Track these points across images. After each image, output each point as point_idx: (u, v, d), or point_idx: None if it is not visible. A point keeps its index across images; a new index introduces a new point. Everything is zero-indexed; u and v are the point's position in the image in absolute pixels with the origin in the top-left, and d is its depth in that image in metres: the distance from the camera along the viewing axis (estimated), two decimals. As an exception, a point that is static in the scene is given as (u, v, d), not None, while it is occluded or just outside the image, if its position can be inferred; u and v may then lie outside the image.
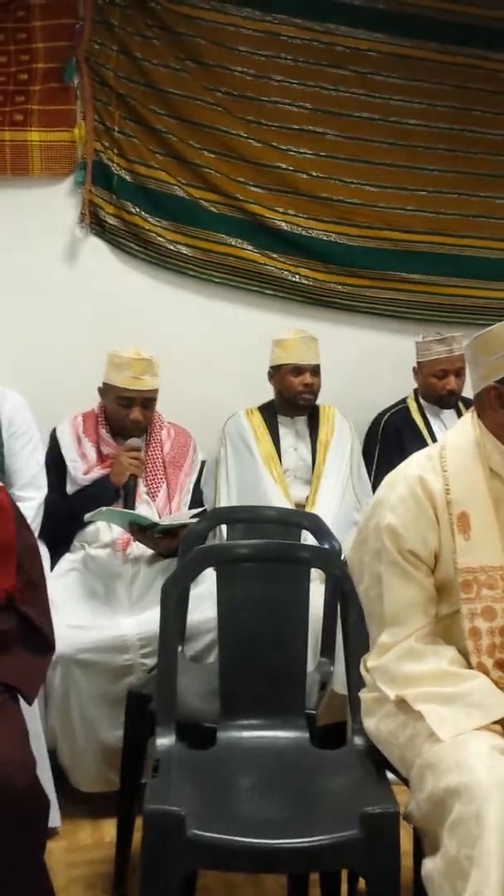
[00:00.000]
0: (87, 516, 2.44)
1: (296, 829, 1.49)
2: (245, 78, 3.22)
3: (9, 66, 3.01)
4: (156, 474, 2.70)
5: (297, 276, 3.34)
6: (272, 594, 1.93)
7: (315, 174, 3.33)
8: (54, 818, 2.19)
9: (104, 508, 2.46)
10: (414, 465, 1.66)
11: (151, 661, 2.24)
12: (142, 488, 2.66)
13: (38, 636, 1.79)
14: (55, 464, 2.69)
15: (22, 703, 1.73)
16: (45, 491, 2.62)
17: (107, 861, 2.07)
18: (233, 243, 3.27)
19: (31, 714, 2.03)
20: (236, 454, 2.96)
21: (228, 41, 3.18)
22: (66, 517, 2.61)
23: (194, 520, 2.38)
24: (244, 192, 3.26)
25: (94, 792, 2.33)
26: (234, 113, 3.23)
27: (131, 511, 2.52)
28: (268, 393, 3.07)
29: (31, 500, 2.55)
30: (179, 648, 2.11)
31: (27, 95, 3.02)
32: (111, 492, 2.59)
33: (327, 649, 2.16)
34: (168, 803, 1.48)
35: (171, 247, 3.21)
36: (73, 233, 3.14)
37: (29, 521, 2.12)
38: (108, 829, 2.18)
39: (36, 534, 2.39)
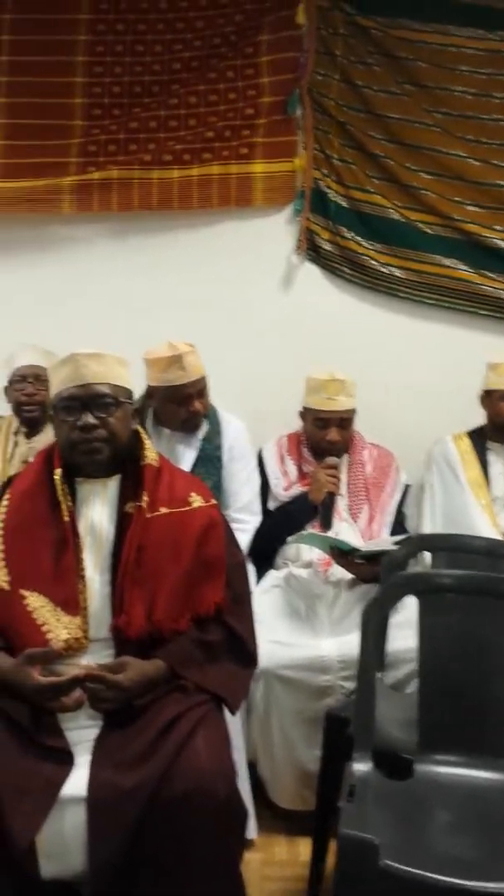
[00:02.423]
0: (289, 540, 2.50)
1: (494, 872, 1.44)
2: (465, 97, 3.17)
3: (237, 101, 3.17)
4: (357, 495, 2.72)
5: (515, 296, 3.24)
6: (477, 628, 1.88)
7: (537, 191, 3.22)
8: (250, 829, 2.25)
9: (305, 532, 2.51)
10: None
11: (351, 685, 2.25)
12: (343, 508, 2.68)
13: (243, 649, 1.86)
14: (260, 481, 2.79)
15: (226, 713, 1.80)
16: (259, 517, 2.73)
17: (300, 879, 2.09)
18: (447, 264, 3.23)
19: (234, 725, 2.11)
20: (442, 480, 2.91)
21: (449, 62, 3.16)
22: (266, 533, 2.70)
23: (395, 547, 2.36)
24: (461, 212, 3.21)
25: (291, 809, 2.37)
26: (454, 133, 3.19)
27: (332, 536, 2.55)
28: (481, 418, 2.98)
29: (247, 524, 2.67)
30: (379, 675, 2.10)
31: (252, 129, 3.17)
32: (309, 509, 2.63)
33: (535, 691, 2.06)
34: (363, 830, 1.48)
35: (384, 269, 3.23)
36: (289, 260, 3.25)
37: (243, 545, 2.22)
38: (304, 847, 2.20)
39: (246, 554, 2.50)
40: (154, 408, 2.69)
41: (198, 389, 2.62)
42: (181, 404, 2.61)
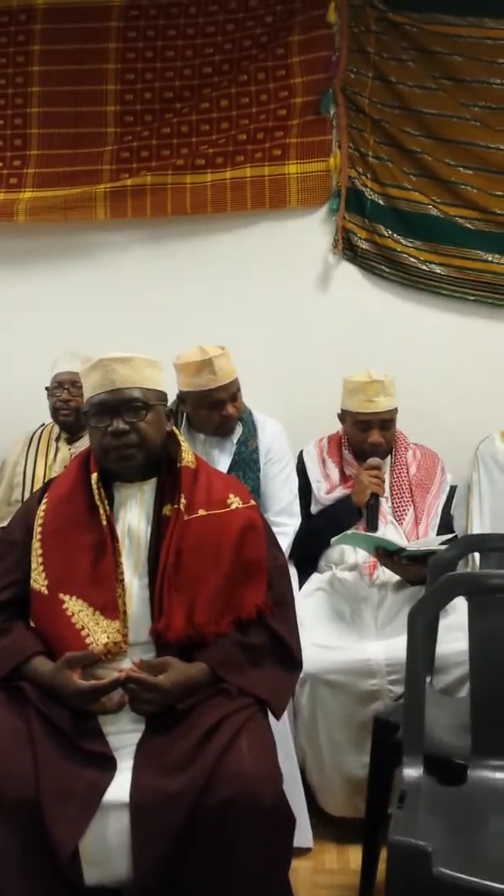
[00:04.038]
0: (333, 540, 2.46)
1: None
2: (504, 90, 3.12)
3: (269, 103, 3.16)
4: (402, 497, 2.66)
5: None
6: (529, 629, 1.82)
7: None
8: (307, 839, 2.22)
9: (349, 532, 2.46)
10: None
11: (399, 689, 2.19)
12: (387, 510, 2.63)
13: (287, 652, 1.82)
14: (301, 485, 2.76)
15: (271, 718, 1.76)
16: (298, 519, 2.69)
17: (351, 888, 2.04)
18: (490, 259, 3.16)
19: (282, 731, 2.07)
20: (490, 479, 2.84)
21: (486, 55, 3.09)
22: (309, 537, 2.66)
23: (443, 546, 2.30)
24: (503, 206, 3.15)
25: (341, 815, 2.32)
26: (493, 126, 3.12)
27: (377, 535, 2.49)
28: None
29: (286, 527, 2.63)
30: (428, 679, 2.04)
31: (285, 130, 3.15)
32: (353, 512, 2.59)
33: None
34: (414, 837, 1.43)
35: (424, 267, 3.17)
36: (326, 260, 3.21)
37: (283, 548, 2.18)
38: (354, 855, 2.15)
39: (287, 556, 2.45)
40: (187, 413, 2.67)
41: (230, 393, 2.61)
42: (213, 409, 2.59)
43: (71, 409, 2.83)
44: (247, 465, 2.63)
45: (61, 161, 3.21)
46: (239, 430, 2.68)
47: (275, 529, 2.15)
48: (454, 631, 2.21)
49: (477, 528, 2.78)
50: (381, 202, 3.18)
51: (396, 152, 3.17)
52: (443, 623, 2.18)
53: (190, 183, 3.16)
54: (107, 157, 3.21)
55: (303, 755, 2.31)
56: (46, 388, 2.91)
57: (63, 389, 2.85)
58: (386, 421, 2.69)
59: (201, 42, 3.16)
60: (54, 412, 2.89)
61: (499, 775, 1.71)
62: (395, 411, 2.71)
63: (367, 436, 2.67)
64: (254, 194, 3.15)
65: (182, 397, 2.66)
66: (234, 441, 2.67)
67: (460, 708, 1.94)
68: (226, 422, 2.62)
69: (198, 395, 2.59)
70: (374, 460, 2.65)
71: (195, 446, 2.64)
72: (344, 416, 2.76)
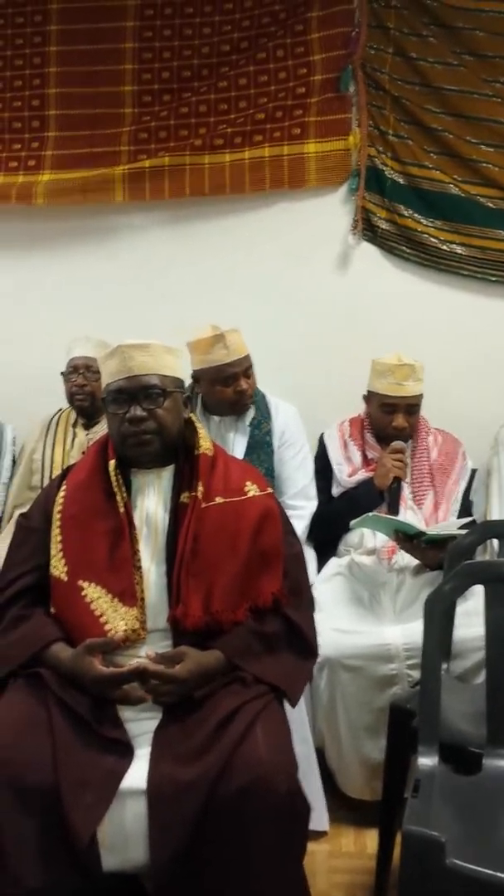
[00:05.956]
0: (352, 523, 2.45)
1: None
2: (527, 66, 3.05)
3: (288, 81, 3.12)
4: (422, 481, 2.64)
5: None
6: (547, 618, 1.81)
7: None
8: (323, 822, 2.23)
9: (369, 515, 2.45)
10: None
11: (417, 673, 2.17)
12: (407, 494, 2.62)
13: (302, 640, 1.82)
14: (322, 467, 2.76)
15: (287, 705, 1.76)
16: (315, 502, 2.69)
17: (368, 872, 2.05)
18: (512, 239, 3.12)
19: (299, 717, 2.08)
20: (510, 463, 2.81)
21: (508, 30, 3.04)
22: (330, 520, 2.65)
23: (463, 531, 2.29)
24: (525, 185, 3.10)
25: (360, 799, 2.33)
26: (515, 103, 3.07)
27: (397, 518, 2.48)
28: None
29: (303, 510, 2.64)
30: (445, 666, 2.04)
31: (304, 108, 3.11)
32: (375, 495, 2.58)
33: None
34: (427, 827, 1.44)
35: (445, 247, 3.13)
36: (346, 240, 3.18)
37: (300, 531, 2.18)
38: (371, 839, 2.15)
39: (303, 540, 2.45)
40: (202, 395, 2.69)
41: (243, 368, 2.62)
42: (227, 384, 2.61)
43: (86, 393, 2.85)
44: (260, 447, 2.65)
45: (79, 143, 3.21)
46: (252, 412, 2.68)
47: (291, 513, 2.15)
48: (472, 616, 2.20)
49: (496, 514, 2.76)
50: (401, 181, 3.14)
51: (417, 130, 3.12)
52: (461, 608, 2.17)
53: (208, 163, 3.14)
54: (124, 138, 3.19)
55: (321, 738, 2.33)
56: (62, 374, 2.92)
57: (78, 374, 2.86)
58: (412, 406, 2.67)
59: (220, 19, 3.13)
60: (70, 397, 2.90)
61: (514, 764, 1.71)
62: (421, 397, 2.69)
63: (391, 419, 2.66)
64: (272, 174, 3.12)
65: (196, 377, 2.66)
66: (248, 423, 2.67)
67: (477, 695, 1.93)
68: (241, 398, 2.63)
69: (212, 371, 2.60)
70: (397, 444, 2.63)
71: (210, 429, 2.64)
72: (370, 397, 2.74)
